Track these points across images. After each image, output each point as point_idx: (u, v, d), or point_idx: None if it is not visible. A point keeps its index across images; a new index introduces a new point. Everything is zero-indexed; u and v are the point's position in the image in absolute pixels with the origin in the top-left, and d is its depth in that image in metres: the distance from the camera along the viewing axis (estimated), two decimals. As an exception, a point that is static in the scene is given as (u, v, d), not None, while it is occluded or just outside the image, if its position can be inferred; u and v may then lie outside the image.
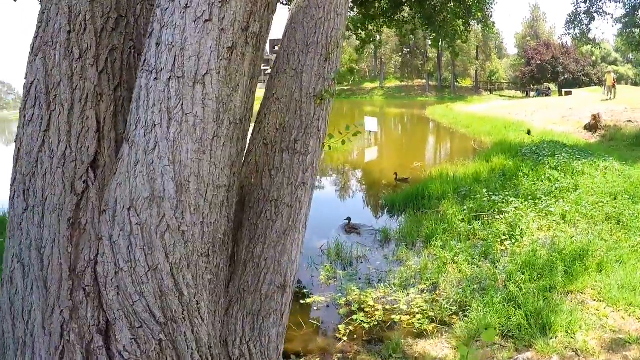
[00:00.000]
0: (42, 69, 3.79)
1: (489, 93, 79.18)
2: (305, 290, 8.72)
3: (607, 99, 35.89)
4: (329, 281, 9.10)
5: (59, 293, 3.43)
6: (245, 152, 4.36)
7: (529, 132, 25.08)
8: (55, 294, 3.43)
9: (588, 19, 25.75)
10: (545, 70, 71.77)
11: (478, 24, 18.52)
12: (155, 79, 3.50)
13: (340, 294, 8.43)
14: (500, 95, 74.86)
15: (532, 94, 69.07)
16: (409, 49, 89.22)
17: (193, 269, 3.48)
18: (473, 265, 8.86)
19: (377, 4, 18.33)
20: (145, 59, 3.61)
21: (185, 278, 3.45)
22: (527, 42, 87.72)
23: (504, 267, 8.66)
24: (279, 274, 4.29)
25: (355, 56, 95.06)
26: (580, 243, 9.15)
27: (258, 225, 4.34)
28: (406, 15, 18.99)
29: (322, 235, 11.41)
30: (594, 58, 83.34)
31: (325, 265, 9.60)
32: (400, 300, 7.99)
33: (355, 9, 18.46)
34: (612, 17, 26.19)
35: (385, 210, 14.02)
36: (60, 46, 3.81)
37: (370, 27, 18.81)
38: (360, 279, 9.17)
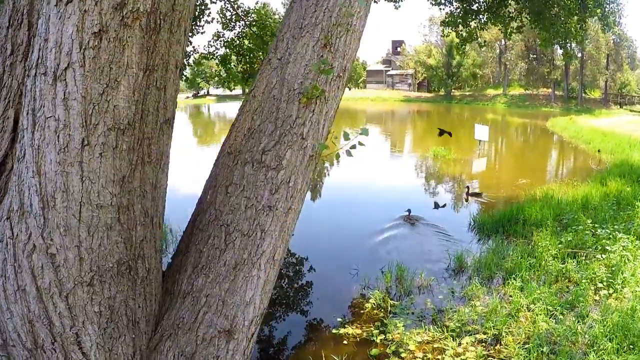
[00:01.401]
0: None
1: (618, 107, 74.31)
2: (341, 318, 7.65)
3: None
4: (375, 311, 7.89)
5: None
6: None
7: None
8: None
9: None
10: (682, 83, 66.43)
11: (601, 24, 16.18)
12: (28, 76, 3.11)
13: (379, 330, 7.21)
14: (631, 110, 70.07)
15: (666, 110, 64.41)
16: (535, 55, 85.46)
17: (70, 298, 3.06)
18: (552, 318, 7.21)
19: (480, -2, 16.63)
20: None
21: (57, 306, 3.05)
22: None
23: (590, 325, 6.94)
24: (224, 316, 3.59)
25: (479, 60, 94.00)
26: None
27: (204, 254, 3.67)
28: (512, 10, 17.02)
29: (390, 254, 10.28)
30: None
31: (376, 291, 8.38)
32: (447, 350, 6.59)
33: (454, 3, 16.86)
34: None
35: (473, 232, 12.43)
36: (-1, 42, 3.60)
37: (472, 24, 17.05)
38: (412, 313, 7.84)
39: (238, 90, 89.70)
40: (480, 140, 26.81)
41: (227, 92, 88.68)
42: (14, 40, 3.58)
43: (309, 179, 3.96)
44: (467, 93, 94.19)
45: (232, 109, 54.81)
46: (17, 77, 3.55)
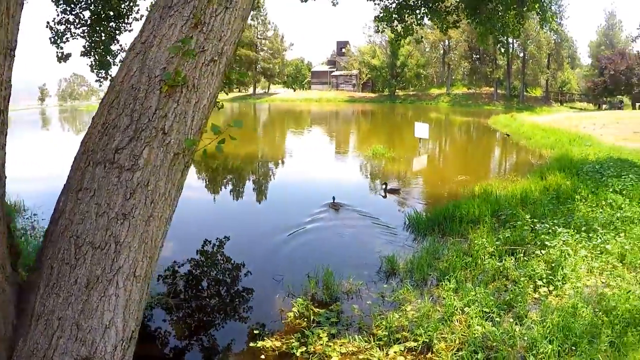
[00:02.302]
0: None
1: (559, 104, 75.92)
2: (259, 330, 7.00)
3: None
4: (297, 320, 7.23)
5: None
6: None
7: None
8: None
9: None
10: (618, 81, 67.94)
11: (539, 19, 15.86)
12: None
13: (300, 341, 6.55)
14: (571, 107, 71.72)
15: (604, 106, 66.07)
16: (478, 55, 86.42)
17: None
18: (488, 321, 6.64)
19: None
20: None
21: None
22: (601, 51, 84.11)
23: (529, 327, 6.40)
24: (80, 341, 3.04)
25: (423, 60, 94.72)
26: (639, 300, 6.83)
27: (54, 270, 3.12)
28: (449, 5, 16.62)
29: (319, 258, 9.54)
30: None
31: (299, 299, 7.71)
32: (374, 361, 5.95)
33: (390, -1, 16.33)
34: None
35: (408, 232, 11.82)
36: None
37: (408, 19, 16.54)
38: (338, 322, 7.19)
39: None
40: (420, 138, 26.68)
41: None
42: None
43: (180, 181, 3.44)
44: (411, 93, 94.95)
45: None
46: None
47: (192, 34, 3.27)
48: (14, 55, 3.03)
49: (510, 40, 79.08)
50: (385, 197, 15.83)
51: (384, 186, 16.21)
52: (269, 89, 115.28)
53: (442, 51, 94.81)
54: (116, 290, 3.12)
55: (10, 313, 3.08)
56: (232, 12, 3.43)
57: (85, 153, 3.22)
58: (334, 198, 14.15)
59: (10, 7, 2.85)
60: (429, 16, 16.75)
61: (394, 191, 16.13)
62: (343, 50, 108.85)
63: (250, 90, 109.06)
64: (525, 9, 14.84)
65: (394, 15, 16.43)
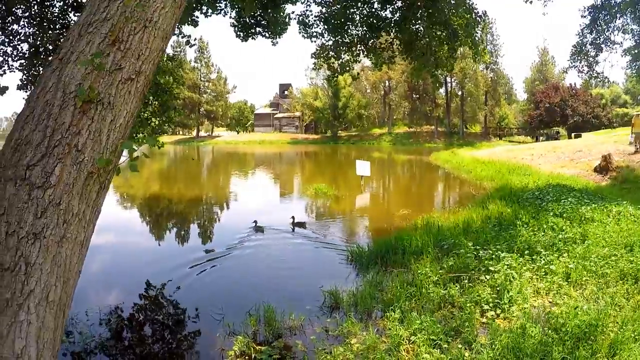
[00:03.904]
0: None
1: (498, 139, 78.04)
2: None
3: (636, 149, 28.78)
4: (238, 359, 6.92)
5: None
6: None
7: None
8: None
9: (595, 50, 23.70)
10: (553, 113, 70.41)
11: (472, 53, 16.25)
12: None
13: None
14: (510, 141, 73.67)
15: (541, 138, 68.21)
16: (418, 95, 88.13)
17: None
18: (436, 349, 6.43)
19: (352, 30, 16.35)
20: None
21: None
22: (535, 86, 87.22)
23: (479, 351, 6.23)
24: None
25: (364, 101, 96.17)
26: (587, 315, 6.84)
27: None
28: (383, 41, 16.93)
29: (260, 295, 9.24)
30: (603, 100, 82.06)
31: (239, 337, 7.36)
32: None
33: (326, 36, 16.53)
34: (621, 46, 23.97)
35: (351, 267, 11.60)
36: None
37: (345, 56, 16.70)
38: (280, 358, 6.87)
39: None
40: (362, 176, 26.87)
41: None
42: None
43: (96, 202, 3.25)
44: (354, 133, 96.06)
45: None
46: None
47: (110, 51, 3.20)
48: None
49: (448, 79, 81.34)
50: (293, 230, 15.92)
51: (291, 219, 16.40)
52: (212, 132, 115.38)
53: (382, 92, 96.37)
54: (27, 316, 2.87)
55: None
56: (151, 31, 3.38)
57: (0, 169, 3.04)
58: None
59: None
60: (364, 53, 16.92)
61: (301, 224, 16.36)
62: (286, 92, 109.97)
63: (194, 133, 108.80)
64: (457, 43, 15.14)
65: (330, 53, 16.57)
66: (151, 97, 14.36)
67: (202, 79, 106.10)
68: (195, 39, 16.57)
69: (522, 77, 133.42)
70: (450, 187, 30.11)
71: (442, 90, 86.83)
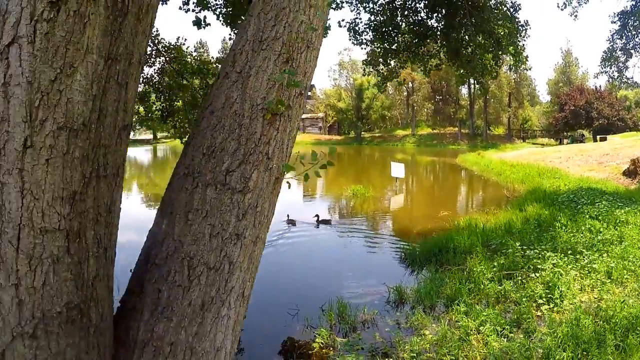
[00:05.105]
0: None
1: (521, 141, 77.37)
2: None
3: None
4: (324, 350, 7.59)
5: None
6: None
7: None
8: None
9: (625, 56, 24.19)
10: (578, 116, 69.74)
11: (510, 60, 16.91)
12: None
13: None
14: (533, 143, 73.16)
15: (565, 141, 67.60)
16: (441, 96, 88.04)
17: (7, 355, 2.35)
18: (502, 337, 7.24)
19: (399, 37, 17.14)
20: None
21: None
22: (559, 88, 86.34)
23: (541, 339, 7.00)
24: None
25: (388, 102, 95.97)
26: (633, 308, 7.56)
27: (163, 294, 3.00)
28: (431, 49, 17.71)
29: (327, 291, 10.04)
30: (627, 103, 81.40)
31: (322, 330, 8.09)
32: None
33: (375, 43, 17.34)
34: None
35: (405, 265, 12.44)
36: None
37: (392, 63, 17.55)
38: (362, 349, 7.58)
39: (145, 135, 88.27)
40: (397, 178, 27.21)
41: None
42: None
43: (275, 205, 3.56)
44: (377, 134, 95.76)
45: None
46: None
47: (285, 68, 3.40)
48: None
49: (471, 80, 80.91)
50: (318, 227, 17.28)
51: (316, 217, 17.80)
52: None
53: (405, 93, 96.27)
54: (228, 311, 3.13)
55: (111, 343, 2.88)
56: (311, 51, 3.62)
57: (190, 175, 3.21)
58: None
59: (154, 19, 2.99)
60: (411, 60, 17.66)
61: (326, 222, 17.81)
62: (309, 93, 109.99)
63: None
64: (501, 51, 15.80)
65: (379, 59, 17.32)
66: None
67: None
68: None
69: (545, 79, 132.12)
70: (482, 189, 30.52)
71: (464, 92, 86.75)
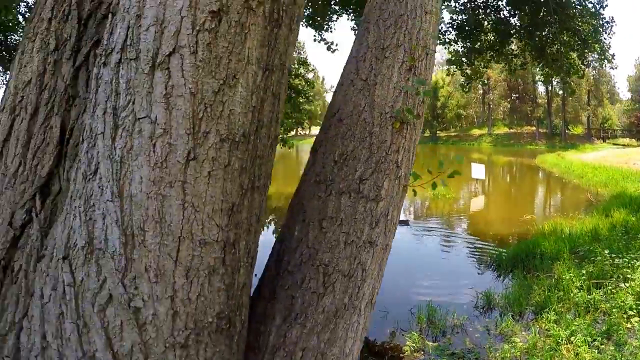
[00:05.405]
0: (17, 65, 2.92)
1: (601, 141, 74.77)
2: None
3: None
4: (415, 354, 7.77)
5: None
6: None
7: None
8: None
9: None
10: (664, 115, 67.13)
11: (597, 58, 16.63)
12: (104, 64, 2.40)
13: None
14: (614, 144, 70.54)
15: (648, 141, 64.96)
16: (517, 95, 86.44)
17: None
18: (593, 349, 7.25)
19: (483, 37, 17.10)
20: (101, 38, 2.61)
21: (140, 379, 2.27)
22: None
23: (632, 352, 6.98)
24: None
25: (463, 101, 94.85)
26: None
27: (297, 300, 3.05)
28: (515, 48, 17.59)
29: (415, 293, 10.27)
30: None
31: (413, 333, 8.29)
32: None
33: (459, 43, 17.34)
34: None
35: (491, 269, 12.47)
36: (38, 37, 2.90)
37: (476, 62, 17.52)
38: (453, 354, 7.71)
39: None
40: (477, 179, 26.93)
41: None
42: (58, 34, 2.90)
43: (400, 212, 3.57)
44: (453, 134, 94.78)
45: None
46: (63, 77, 2.86)
47: (408, 76, 3.42)
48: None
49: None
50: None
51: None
52: (310, 131, 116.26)
53: (481, 91, 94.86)
54: (358, 318, 3.16)
55: (233, 353, 2.82)
56: (430, 58, 3.62)
57: (322, 183, 3.23)
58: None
59: (299, 30, 2.99)
60: (495, 59, 17.58)
61: (404, 222, 17.18)
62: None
63: (292, 132, 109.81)
64: (587, 50, 15.55)
65: (463, 59, 17.32)
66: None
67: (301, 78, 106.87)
68: (334, 43, 17.69)
69: (625, 75, 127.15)
70: (564, 192, 29.92)
71: (542, 90, 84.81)
